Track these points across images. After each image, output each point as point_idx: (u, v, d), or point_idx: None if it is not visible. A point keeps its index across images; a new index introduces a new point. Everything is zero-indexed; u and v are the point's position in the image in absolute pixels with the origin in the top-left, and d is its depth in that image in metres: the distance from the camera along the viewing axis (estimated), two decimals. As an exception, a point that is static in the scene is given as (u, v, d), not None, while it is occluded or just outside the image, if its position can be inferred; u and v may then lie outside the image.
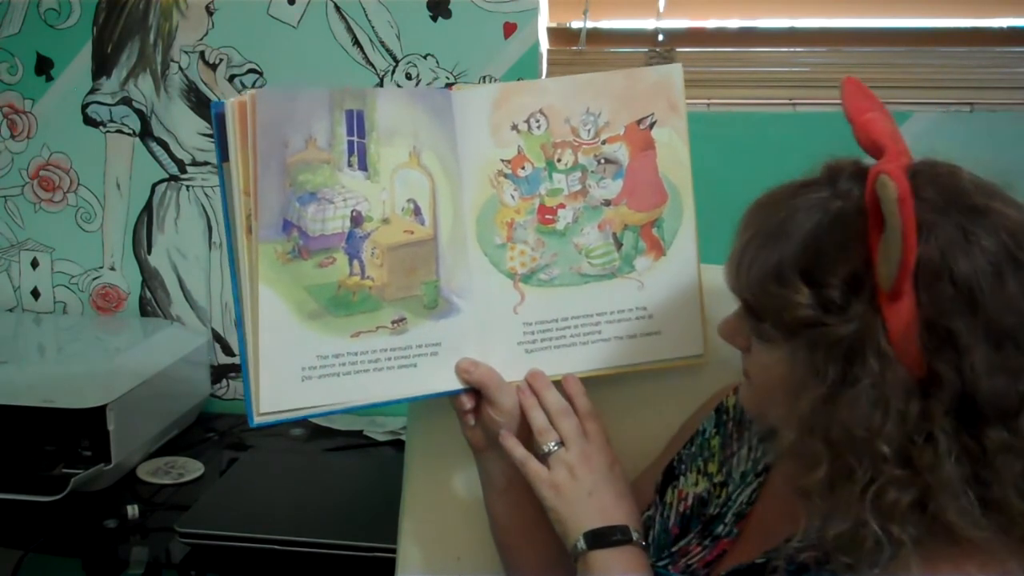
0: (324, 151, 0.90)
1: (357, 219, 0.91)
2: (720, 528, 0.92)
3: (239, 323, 0.90)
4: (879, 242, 0.71)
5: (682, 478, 0.97)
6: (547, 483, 0.91)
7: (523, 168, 0.98)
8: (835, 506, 0.73)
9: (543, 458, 0.93)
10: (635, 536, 0.89)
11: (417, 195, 0.94)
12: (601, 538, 0.88)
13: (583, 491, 0.90)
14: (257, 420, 0.89)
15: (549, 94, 0.99)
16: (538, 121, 0.98)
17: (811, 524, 0.74)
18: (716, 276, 1.08)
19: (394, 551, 1.13)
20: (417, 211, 0.94)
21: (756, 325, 0.80)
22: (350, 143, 0.91)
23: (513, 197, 0.98)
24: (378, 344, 0.93)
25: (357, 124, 0.91)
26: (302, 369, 0.90)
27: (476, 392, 0.97)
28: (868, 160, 0.78)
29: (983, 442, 0.71)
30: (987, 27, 1.64)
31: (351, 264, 0.92)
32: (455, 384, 0.97)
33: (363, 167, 0.92)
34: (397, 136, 0.93)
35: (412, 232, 0.94)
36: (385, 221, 0.93)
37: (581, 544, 0.88)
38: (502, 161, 0.98)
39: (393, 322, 0.94)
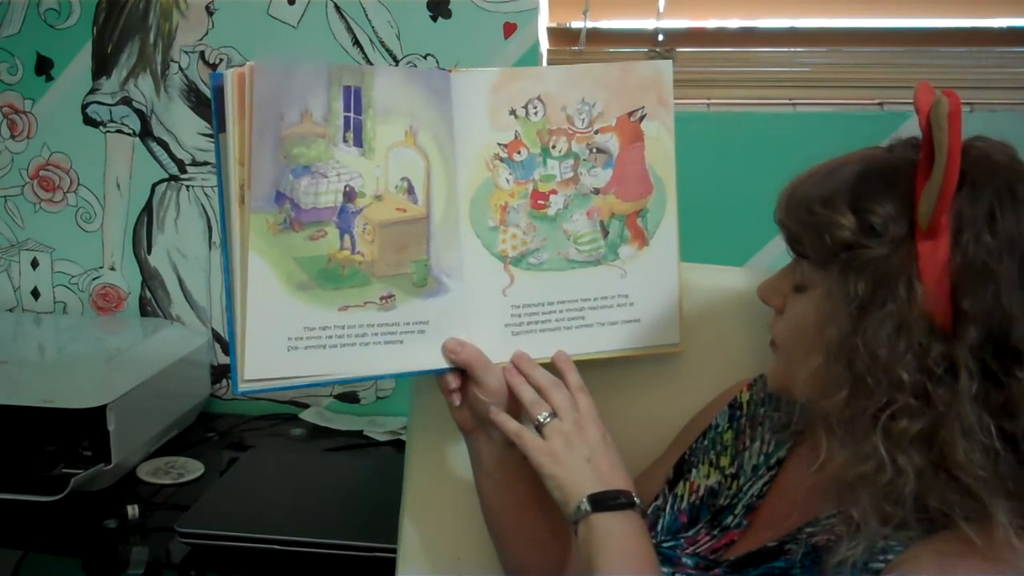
0: (320, 125, 0.90)
1: (350, 194, 0.92)
2: (729, 519, 0.93)
3: (228, 292, 0.90)
4: (924, 185, 0.75)
5: (694, 471, 0.98)
6: (544, 451, 0.91)
7: (519, 153, 0.99)
8: (850, 430, 0.77)
9: (535, 431, 0.93)
10: (637, 502, 0.89)
11: (411, 174, 0.94)
12: (604, 501, 0.87)
13: (581, 457, 0.90)
14: (241, 387, 0.89)
15: (547, 82, 1.00)
16: (536, 107, 0.99)
17: (829, 454, 0.78)
18: (704, 275, 1.09)
19: (394, 551, 1.13)
20: (411, 190, 0.95)
21: (796, 267, 0.84)
22: (346, 119, 0.91)
23: (508, 181, 0.99)
24: (366, 319, 0.93)
25: (354, 100, 0.91)
26: (288, 339, 0.90)
27: (461, 372, 0.97)
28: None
29: (1010, 384, 0.73)
30: (987, 27, 1.64)
31: (342, 238, 0.92)
32: (440, 363, 0.97)
33: (358, 143, 0.92)
34: (393, 114, 0.93)
35: (404, 210, 0.94)
36: (378, 198, 0.93)
37: (585, 506, 0.86)
38: (499, 145, 0.98)
39: (382, 298, 0.94)
